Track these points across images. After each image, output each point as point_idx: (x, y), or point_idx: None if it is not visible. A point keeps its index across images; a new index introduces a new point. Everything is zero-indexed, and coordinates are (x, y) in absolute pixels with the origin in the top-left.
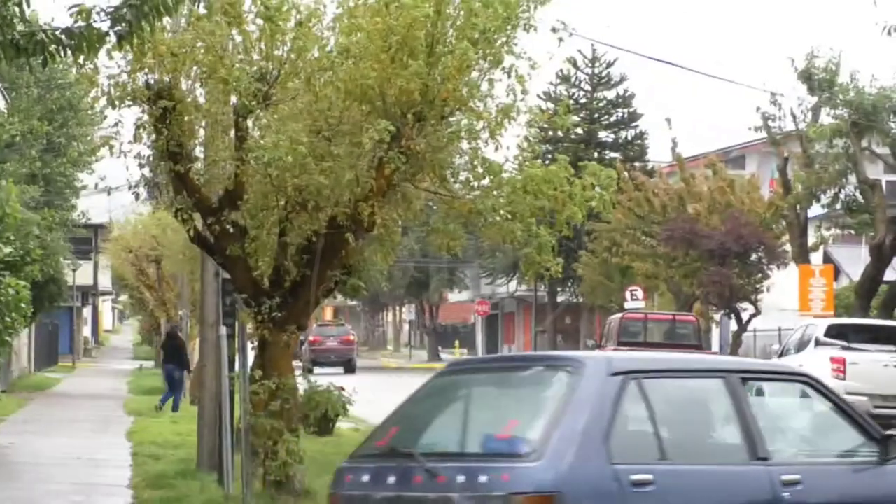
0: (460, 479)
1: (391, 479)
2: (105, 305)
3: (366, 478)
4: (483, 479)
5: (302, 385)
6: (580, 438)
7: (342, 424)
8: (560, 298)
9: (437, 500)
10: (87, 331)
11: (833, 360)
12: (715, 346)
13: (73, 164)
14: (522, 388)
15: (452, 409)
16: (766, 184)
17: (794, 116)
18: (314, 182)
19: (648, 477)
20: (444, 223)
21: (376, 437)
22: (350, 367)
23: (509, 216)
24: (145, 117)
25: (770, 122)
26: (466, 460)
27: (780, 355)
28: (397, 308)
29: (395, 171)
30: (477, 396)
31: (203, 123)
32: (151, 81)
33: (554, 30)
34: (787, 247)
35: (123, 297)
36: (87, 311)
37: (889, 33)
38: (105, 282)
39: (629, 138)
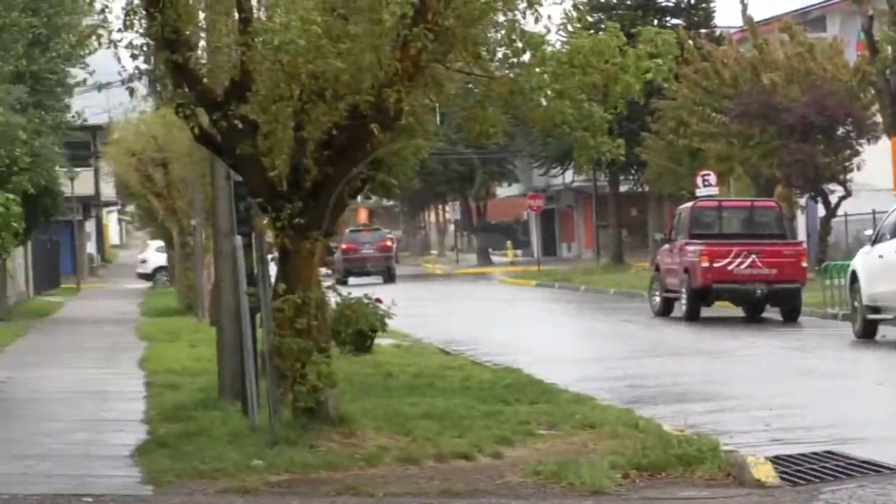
0: None
1: None
2: (111, 218)
3: None
4: None
5: (334, 299)
6: None
7: (381, 341)
8: (623, 188)
9: None
10: (91, 247)
11: None
12: (801, 235)
13: (64, 58)
14: None
15: None
16: (851, 47)
17: None
18: (331, 67)
19: None
20: (481, 107)
21: None
22: (389, 276)
23: (556, 95)
24: (136, 1)
25: None
26: None
27: (875, 241)
28: (440, 207)
29: (421, 51)
30: None
31: (202, 5)
32: None
33: None
34: (878, 118)
35: (130, 208)
36: (90, 226)
37: None
38: (109, 191)
39: (692, 2)
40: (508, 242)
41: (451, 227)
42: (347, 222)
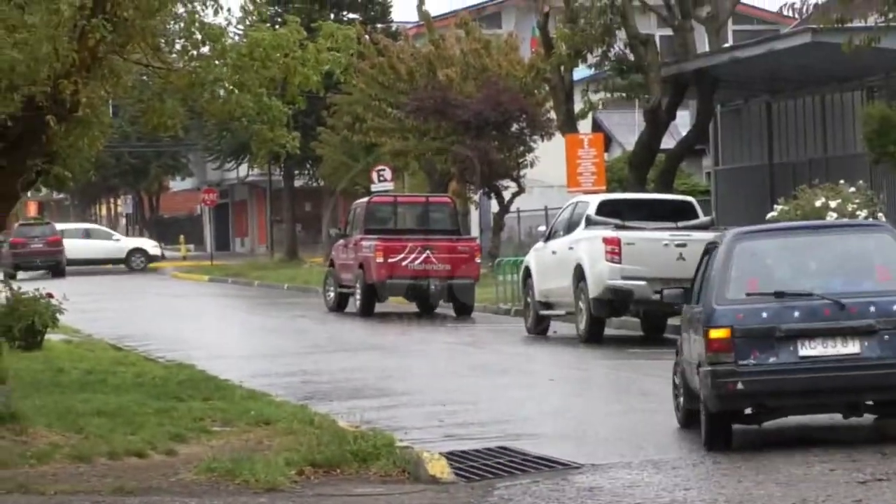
0: (871, 309)
1: (796, 314)
2: None
3: (764, 315)
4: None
5: (4, 293)
6: None
7: (52, 336)
8: (298, 183)
9: (860, 327)
10: None
11: (606, 240)
12: (475, 231)
13: None
14: (849, 245)
15: (794, 262)
16: (526, 43)
17: None
18: (6, 57)
19: None
20: (159, 99)
21: (734, 288)
22: (58, 271)
23: (235, 88)
24: None
25: None
26: (865, 296)
27: (548, 238)
28: (112, 201)
29: (100, 42)
30: (803, 253)
31: None
32: None
33: None
34: (552, 114)
35: None
36: None
37: None
38: None
39: None
40: (181, 237)
41: (123, 221)
42: (18, 215)
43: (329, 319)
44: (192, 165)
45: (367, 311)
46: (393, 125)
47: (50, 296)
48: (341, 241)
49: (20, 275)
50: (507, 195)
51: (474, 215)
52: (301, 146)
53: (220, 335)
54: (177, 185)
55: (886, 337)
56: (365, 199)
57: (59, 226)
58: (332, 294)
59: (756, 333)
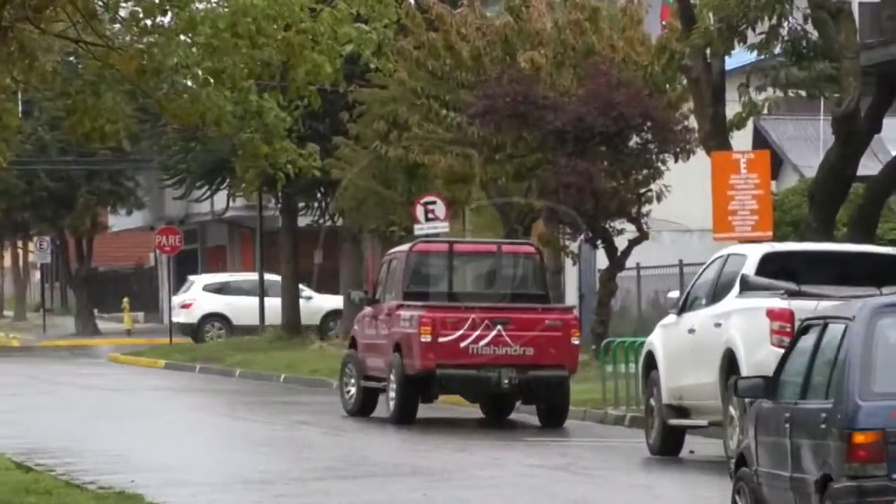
0: None
1: None
2: None
3: None
4: None
5: None
6: None
7: None
8: (303, 222)
9: None
10: None
11: (772, 314)
12: (571, 297)
13: None
14: None
15: None
16: (655, 14)
17: None
18: None
19: None
20: (94, 93)
21: (882, 379)
22: None
23: (209, 78)
24: None
25: None
26: None
27: (683, 309)
28: (19, 244)
29: (4, 5)
30: None
31: None
32: None
33: None
34: (692, 122)
35: None
36: None
37: None
38: None
39: None
40: (125, 300)
41: (37, 276)
42: None
43: (347, 428)
44: (142, 193)
45: (405, 417)
46: (449, 135)
47: None
48: (368, 311)
49: None
50: (621, 243)
51: (571, 273)
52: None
53: (181, 449)
54: (119, 221)
55: None
56: (405, 248)
57: None
58: (352, 390)
59: None
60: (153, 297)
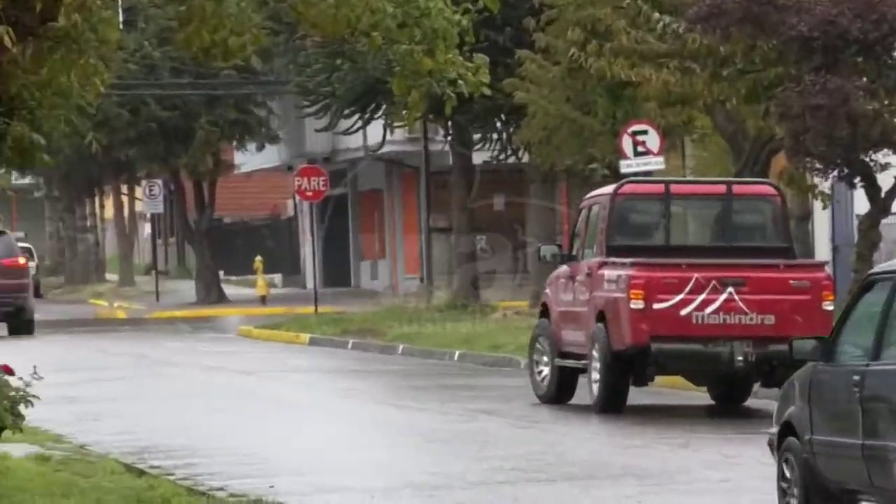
0: None
1: None
2: None
3: None
4: None
5: None
6: None
7: (10, 448)
8: (479, 159)
9: None
10: None
11: None
12: (822, 250)
13: None
14: None
15: None
16: None
17: None
18: None
19: None
20: None
21: None
22: (22, 324)
23: None
24: None
25: None
26: None
27: None
28: (123, 190)
29: None
30: None
31: None
32: None
33: None
34: None
35: None
36: None
37: None
38: None
39: None
40: (258, 259)
41: (147, 229)
42: None
43: (540, 418)
44: (276, 123)
45: (612, 404)
46: (663, 45)
47: (7, 371)
48: (563, 271)
49: None
50: (885, 181)
51: (822, 220)
52: (491, 85)
53: (331, 447)
54: (248, 160)
55: None
56: (608, 190)
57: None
58: (545, 370)
59: None
60: (292, 254)
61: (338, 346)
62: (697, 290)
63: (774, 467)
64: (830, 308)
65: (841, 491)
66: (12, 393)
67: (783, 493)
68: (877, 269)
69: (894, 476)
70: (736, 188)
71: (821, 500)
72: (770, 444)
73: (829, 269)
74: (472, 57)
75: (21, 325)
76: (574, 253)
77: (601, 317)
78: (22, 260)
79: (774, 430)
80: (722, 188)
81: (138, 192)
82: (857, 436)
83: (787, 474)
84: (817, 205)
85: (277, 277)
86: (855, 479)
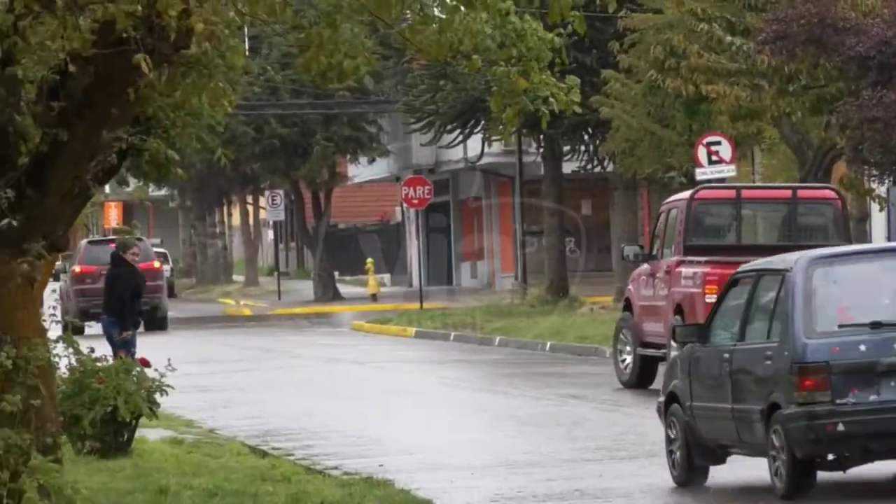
0: None
1: None
2: None
3: (862, 348)
4: None
5: (65, 357)
6: None
7: (147, 433)
8: (569, 168)
9: None
10: None
11: None
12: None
13: None
14: None
15: (883, 288)
16: None
17: None
18: None
19: None
20: (330, 24)
21: (822, 319)
22: (156, 321)
23: (460, 2)
24: None
25: None
26: None
27: None
28: (249, 200)
29: None
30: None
31: None
32: None
33: None
34: None
35: None
36: None
37: None
38: None
39: None
40: (370, 261)
41: (269, 235)
42: (89, 227)
43: (623, 402)
44: (386, 139)
45: None
46: (735, 65)
47: (144, 363)
48: (644, 269)
49: (90, 327)
50: None
51: (878, 221)
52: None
53: (435, 429)
54: (361, 171)
55: None
56: (685, 195)
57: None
58: (628, 359)
59: (855, 369)
60: (400, 256)
61: (441, 338)
62: None
63: None
64: None
65: (715, 446)
66: (149, 383)
67: (670, 453)
68: (741, 268)
69: (756, 432)
70: (800, 192)
71: (699, 453)
72: (658, 411)
73: None
74: (563, 77)
75: (156, 322)
76: (654, 252)
77: (679, 310)
78: (157, 264)
79: (662, 399)
80: (788, 193)
81: (262, 201)
82: (727, 401)
83: (672, 435)
84: (874, 207)
85: (387, 277)
86: (726, 436)
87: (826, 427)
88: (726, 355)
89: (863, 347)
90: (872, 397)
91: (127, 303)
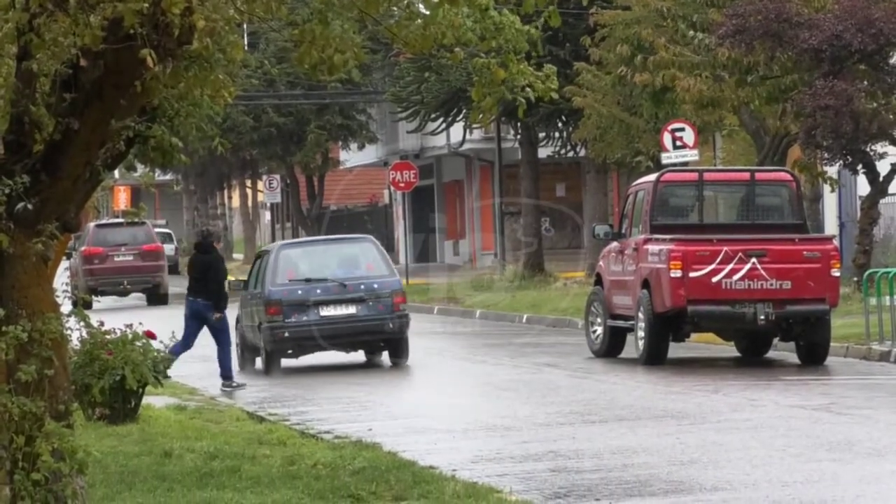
0: (361, 287)
1: (318, 291)
2: None
3: (299, 292)
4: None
5: (76, 331)
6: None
7: (153, 400)
8: (544, 153)
9: (355, 298)
10: None
11: None
12: (830, 226)
13: None
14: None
15: (314, 261)
16: None
17: None
18: None
19: None
20: (321, 21)
21: (280, 278)
22: (158, 297)
23: None
24: None
25: None
26: (358, 280)
27: None
28: (248, 184)
29: None
30: (320, 255)
31: None
32: None
33: None
34: None
35: None
36: None
37: None
38: None
39: None
40: None
41: (267, 216)
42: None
43: (594, 370)
44: (374, 126)
45: (655, 357)
46: (698, 57)
47: (150, 335)
48: (614, 246)
49: (98, 302)
50: (883, 168)
51: (830, 201)
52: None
53: (420, 396)
54: (351, 157)
55: (371, 303)
56: (651, 178)
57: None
58: (598, 330)
59: (295, 303)
60: (388, 235)
61: (425, 311)
62: (726, 260)
63: (791, 409)
64: (837, 274)
65: (251, 343)
66: (154, 354)
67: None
68: (260, 249)
69: (257, 337)
70: (758, 175)
71: (246, 348)
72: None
73: (836, 242)
74: (541, 67)
75: (157, 298)
76: (623, 231)
77: (646, 284)
78: (158, 244)
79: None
80: (746, 175)
81: (260, 185)
82: (252, 321)
83: (236, 342)
84: (826, 188)
85: None
86: (253, 338)
87: (279, 335)
88: (249, 296)
89: (300, 292)
90: (304, 318)
91: (221, 287)
